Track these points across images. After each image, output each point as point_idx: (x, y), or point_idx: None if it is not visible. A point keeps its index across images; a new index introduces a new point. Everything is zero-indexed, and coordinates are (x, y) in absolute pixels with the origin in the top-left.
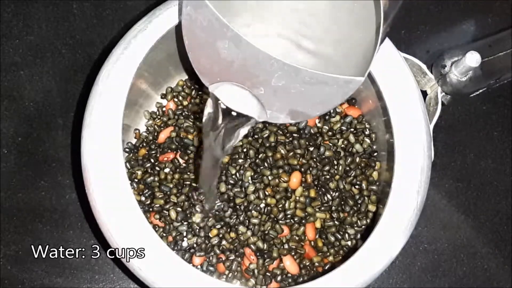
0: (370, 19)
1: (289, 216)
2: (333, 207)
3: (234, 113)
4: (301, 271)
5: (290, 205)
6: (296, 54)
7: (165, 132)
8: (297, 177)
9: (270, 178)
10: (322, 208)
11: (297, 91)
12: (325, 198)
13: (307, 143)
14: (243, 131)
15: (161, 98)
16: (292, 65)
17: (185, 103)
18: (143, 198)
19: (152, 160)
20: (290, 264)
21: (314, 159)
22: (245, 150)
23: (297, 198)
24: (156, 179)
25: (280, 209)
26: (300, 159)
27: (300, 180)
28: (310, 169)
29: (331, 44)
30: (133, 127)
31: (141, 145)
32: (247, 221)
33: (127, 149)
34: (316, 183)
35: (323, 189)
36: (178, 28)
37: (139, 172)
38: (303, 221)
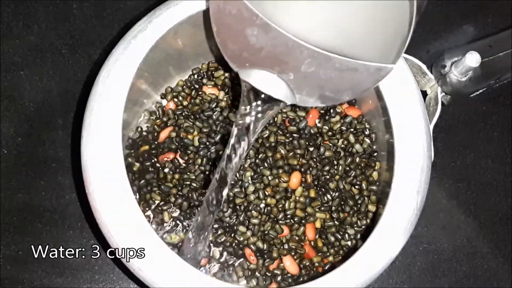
0: (403, 9)
1: (289, 216)
2: (333, 207)
3: (263, 97)
4: (301, 271)
5: (290, 205)
6: (326, 40)
7: (165, 132)
8: (297, 177)
9: (270, 178)
10: (322, 208)
11: (327, 77)
12: (325, 198)
13: (307, 143)
14: (272, 114)
15: (161, 98)
16: (322, 52)
17: (185, 103)
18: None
19: (152, 159)
20: (290, 264)
21: (314, 159)
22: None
23: (297, 198)
24: (155, 177)
25: (280, 209)
26: (300, 159)
27: (300, 180)
28: (310, 169)
29: (362, 32)
30: (133, 126)
31: (141, 142)
32: (247, 221)
33: (127, 146)
34: (316, 183)
35: (323, 189)
36: (206, 13)
37: (137, 166)
38: (303, 221)
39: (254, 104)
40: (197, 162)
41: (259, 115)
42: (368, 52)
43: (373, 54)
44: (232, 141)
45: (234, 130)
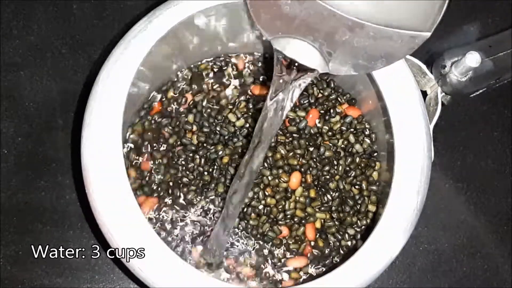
0: None
1: (289, 216)
2: (333, 207)
3: (296, 66)
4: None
5: (290, 205)
6: (359, 8)
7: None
8: (297, 177)
9: (270, 178)
10: (322, 208)
11: (361, 45)
12: (325, 198)
13: (307, 143)
14: (304, 85)
15: (162, 97)
16: (357, 20)
17: (185, 102)
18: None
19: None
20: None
21: (314, 159)
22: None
23: (297, 198)
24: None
25: (280, 209)
26: (300, 159)
27: (300, 180)
28: (310, 169)
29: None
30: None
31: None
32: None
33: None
34: (316, 183)
35: (323, 189)
36: None
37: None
38: (303, 221)
39: (286, 74)
40: (195, 162)
41: (292, 85)
42: (402, 20)
43: (408, 22)
44: (263, 115)
45: (268, 103)
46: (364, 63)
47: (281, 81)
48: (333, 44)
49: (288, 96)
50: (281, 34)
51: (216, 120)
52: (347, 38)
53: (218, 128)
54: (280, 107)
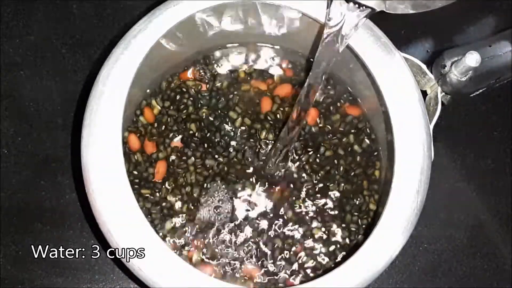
0: None
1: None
2: (333, 206)
3: (350, 5)
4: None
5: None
6: None
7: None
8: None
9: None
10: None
11: None
12: (326, 198)
13: (307, 143)
14: (361, 23)
15: (162, 97)
16: None
17: (184, 100)
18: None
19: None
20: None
21: (314, 159)
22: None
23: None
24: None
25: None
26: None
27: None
28: (310, 169)
29: None
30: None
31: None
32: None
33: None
34: (316, 182)
35: (324, 189)
36: None
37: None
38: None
39: (341, 13)
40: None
41: (347, 26)
42: None
43: None
44: (318, 57)
45: (322, 43)
46: (422, 1)
47: (334, 22)
48: None
49: (343, 34)
50: None
51: (215, 121)
52: None
53: (217, 123)
54: (334, 46)
